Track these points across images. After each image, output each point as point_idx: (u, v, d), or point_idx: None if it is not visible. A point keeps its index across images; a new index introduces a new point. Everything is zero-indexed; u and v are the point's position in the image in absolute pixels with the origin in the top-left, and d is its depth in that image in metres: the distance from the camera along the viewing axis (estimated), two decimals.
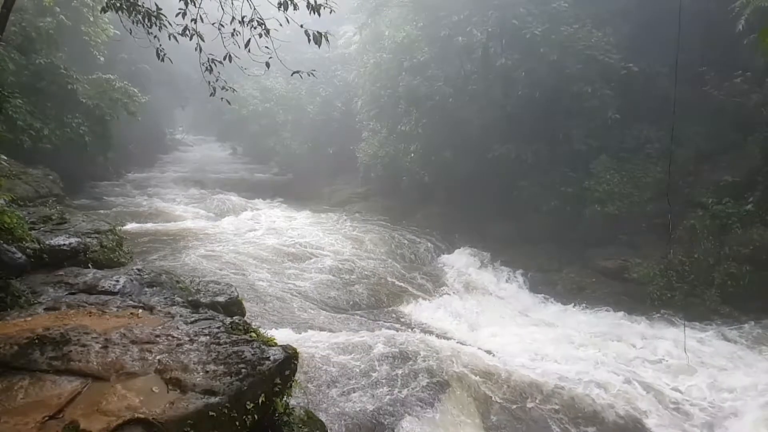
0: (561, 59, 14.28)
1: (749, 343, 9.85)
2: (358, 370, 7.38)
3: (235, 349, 4.36)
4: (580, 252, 13.70)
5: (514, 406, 7.31)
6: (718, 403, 7.87)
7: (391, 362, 7.67)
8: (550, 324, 10.93)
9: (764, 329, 10.31)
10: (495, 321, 10.93)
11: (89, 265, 6.93)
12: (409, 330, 9.64)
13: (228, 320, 5.11)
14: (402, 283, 12.47)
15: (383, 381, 7.21)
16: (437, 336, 9.30)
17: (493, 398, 7.40)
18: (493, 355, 8.76)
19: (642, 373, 8.57)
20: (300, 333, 8.59)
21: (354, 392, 6.93)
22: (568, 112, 14.79)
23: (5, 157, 11.23)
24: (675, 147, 10.90)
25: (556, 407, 7.38)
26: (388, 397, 6.90)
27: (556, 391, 7.68)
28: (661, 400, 7.81)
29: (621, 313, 11.38)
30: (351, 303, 11.05)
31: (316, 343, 7.99)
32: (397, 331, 9.37)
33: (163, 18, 6.53)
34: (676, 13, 8.33)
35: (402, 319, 10.56)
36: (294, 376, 4.54)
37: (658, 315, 11.21)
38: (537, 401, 7.46)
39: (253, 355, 4.27)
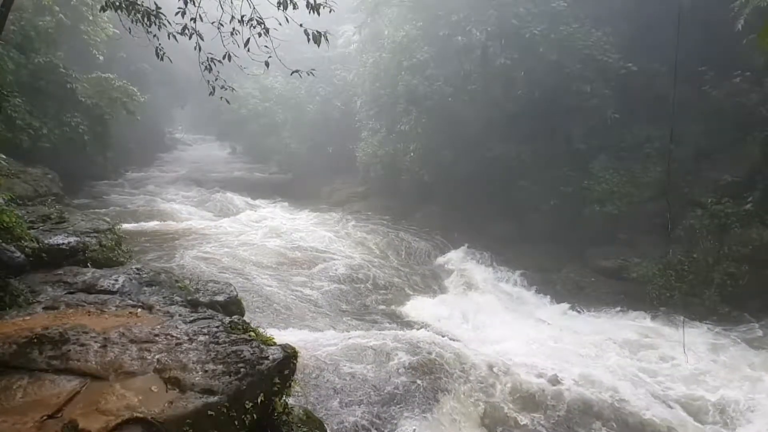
0: (560, 59, 14.28)
1: (760, 345, 9.76)
2: (371, 383, 6.84)
3: (234, 348, 4.36)
4: (580, 251, 13.70)
5: None
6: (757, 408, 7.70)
7: (408, 372, 7.05)
8: (568, 329, 10.61)
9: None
10: (507, 325, 10.63)
11: (88, 264, 6.93)
12: (420, 332, 9.05)
13: (227, 319, 5.11)
14: (405, 284, 12.47)
15: (399, 393, 6.64)
16: (451, 339, 8.82)
17: (540, 425, 6.72)
18: (528, 366, 8.08)
19: (679, 387, 8.22)
20: (314, 333, 8.48)
21: (364, 404, 6.48)
22: (568, 112, 14.78)
23: (4, 156, 11.19)
24: (674, 146, 10.88)
25: None
26: (406, 414, 6.35)
27: (615, 412, 7.02)
28: (704, 418, 7.51)
29: (634, 315, 11.26)
30: (357, 305, 10.97)
31: (327, 346, 7.73)
32: (409, 333, 8.85)
33: (162, 17, 6.51)
34: (675, 13, 8.34)
35: (410, 322, 10.33)
36: (293, 375, 4.54)
37: (657, 314, 11.22)
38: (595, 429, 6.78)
39: (252, 354, 4.27)
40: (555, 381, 7.60)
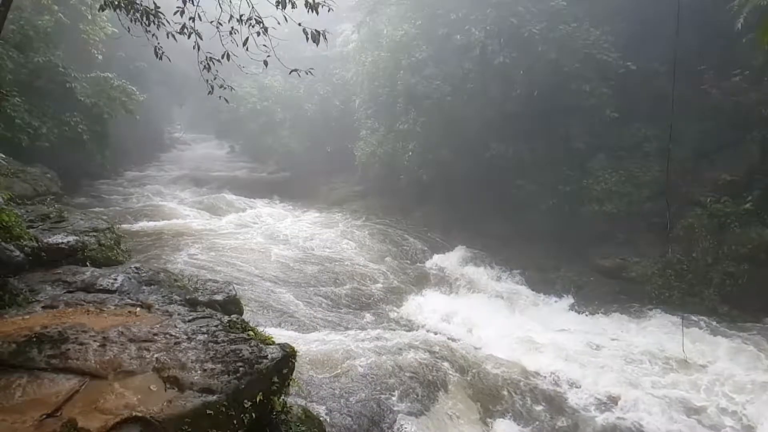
0: (559, 58, 14.27)
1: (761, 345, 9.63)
2: (372, 383, 6.78)
3: (233, 347, 4.36)
4: (579, 251, 13.70)
5: None
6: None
7: (409, 372, 6.99)
8: (567, 329, 10.53)
9: None
10: (505, 325, 10.49)
11: (87, 263, 6.91)
12: (419, 332, 9.08)
13: (226, 318, 5.12)
14: (404, 284, 12.44)
15: (399, 394, 6.55)
16: (450, 339, 8.74)
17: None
18: (527, 366, 7.89)
19: (692, 395, 7.99)
20: (312, 334, 8.47)
21: (364, 404, 6.43)
22: (567, 111, 14.78)
23: (3, 156, 11.25)
24: (673, 146, 10.86)
25: None
26: (405, 413, 6.27)
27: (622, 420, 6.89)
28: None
29: (633, 315, 11.14)
30: (355, 305, 10.93)
31: (327, 346, 7.71)
32: (408, 333, 8.80)
33: (161, 16, 6.51)
34: (674, 12, 8.35)
35: (409, 323, 10.28)
36: (292, 374, 4.54)
37: (656, 314, 11.21)
38: None
39: (251, 353, 4.27)
40: (563, 384, 7.75)
